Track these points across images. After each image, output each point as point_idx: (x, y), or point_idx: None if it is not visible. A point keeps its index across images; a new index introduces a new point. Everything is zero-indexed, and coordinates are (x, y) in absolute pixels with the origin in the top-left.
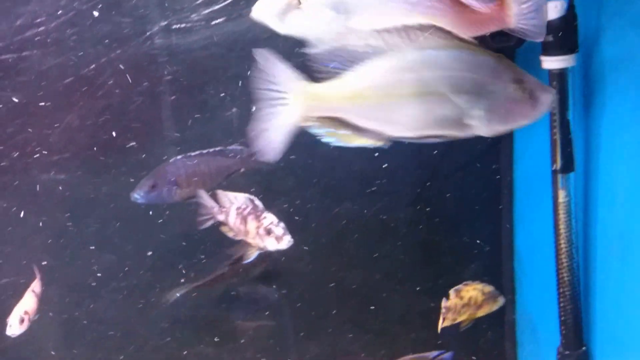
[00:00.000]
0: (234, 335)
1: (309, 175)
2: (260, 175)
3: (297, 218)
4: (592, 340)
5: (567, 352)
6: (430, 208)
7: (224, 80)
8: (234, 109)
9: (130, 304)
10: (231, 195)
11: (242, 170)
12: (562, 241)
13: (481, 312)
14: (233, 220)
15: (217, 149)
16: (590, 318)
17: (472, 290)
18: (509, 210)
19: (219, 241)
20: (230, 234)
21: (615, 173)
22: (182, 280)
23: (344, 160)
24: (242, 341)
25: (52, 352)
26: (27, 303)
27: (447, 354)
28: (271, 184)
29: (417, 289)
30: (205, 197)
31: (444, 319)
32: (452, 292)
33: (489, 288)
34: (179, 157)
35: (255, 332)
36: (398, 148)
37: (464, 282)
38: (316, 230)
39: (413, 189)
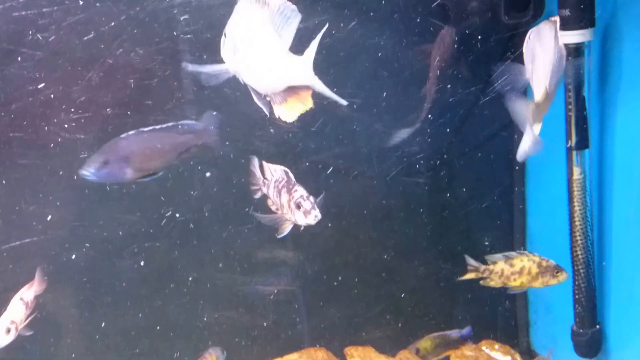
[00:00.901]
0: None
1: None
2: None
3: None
4: (606, 318)
5: (581, 331)
6: (444, 186)
7: None
8: None
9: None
10: (272, 167)
11: (198, 145)
12: (576, 219)
13: (537, 284)
14: (272, 193)
15: (170, 124)
16: (604, 297)
17: (527, 261)
18: (521, 187)
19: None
20: (273, 207)
21: (631, 150)
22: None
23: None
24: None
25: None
26: (14, 312)
27: (466, 330)
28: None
29: (431, 263)
30: (255, 168)
31: (485, 279)
32: (500, 257)
33: (548, 262)
34: (131, 132)
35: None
36: (417, 129)
37: (519, 251)
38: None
39: (427, 168)
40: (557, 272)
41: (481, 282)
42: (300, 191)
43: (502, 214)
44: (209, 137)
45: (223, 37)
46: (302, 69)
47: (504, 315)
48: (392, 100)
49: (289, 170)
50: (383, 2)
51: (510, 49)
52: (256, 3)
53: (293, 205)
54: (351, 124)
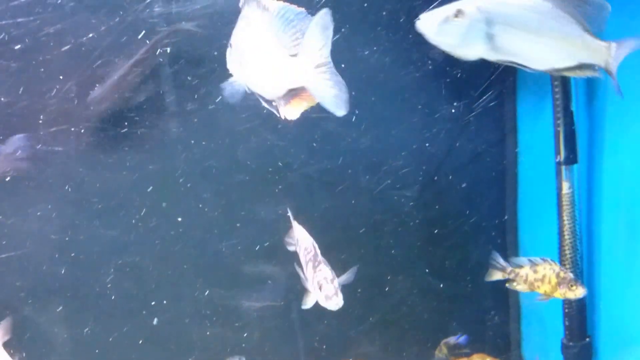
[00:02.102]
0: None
1: (317, 173)
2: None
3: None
4: (595, 331)
5: (571, 344)
6: (435, 200)
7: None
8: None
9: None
10: (302, 233)
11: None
12: (565, 233)
13: (557, 295)
14: (302, 258)
15: None
16: (594, 310)
17: (549, 269)
18: (513, 201)
19: None
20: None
21: (619, 164)
22: None
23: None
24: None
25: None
26: None
27: (463, 338)
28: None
29: (423, 277)
30: (294, 221)
31: (509, 280)
32: (526, 261)
33: (565, 274)
34: None
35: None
36: (406, 142)
37: (543, 257)
38: (324, 219)
39: (417, 183)
40: (572, 286)
41: (507, 284)
42: (324, 271)
43: (493, 228)
44: (17, 163)
45: (229, 48)
46: (299, 71)
47: (496, 328)
48: (379, 114)
49: (315, 245)
50: (368, 17)
51: (495, 67)
52: (258, 9)
53: (316, 283)
54: (338, 137)
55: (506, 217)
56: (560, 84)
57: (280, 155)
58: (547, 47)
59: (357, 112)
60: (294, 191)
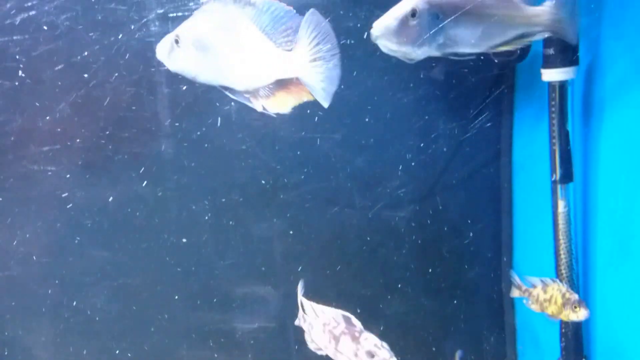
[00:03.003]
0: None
1: (309, 181)
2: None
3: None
4: (592, 352)
5: None
6: (430, 220)
7: None
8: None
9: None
10: (317, 307)
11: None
12: (561, 251)
13: (562, 316)
14: (319, 336)
15: None
16: (590, 329)
17: (556, 290)
18: (508, 220)
19: None
20: (312, 346)
21: (614, 183)
22: None
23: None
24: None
25: None
26: None
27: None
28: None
29: (418, 297)
30: (299, 295)
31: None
32: (538, 281)
33: (570, 295)
34: None
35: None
36: (400, 163)
37: (554, 278)
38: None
39: (412, 203)
40: (575, 307)
41: (524, 302)
42: (371, 339)
43: (488, 248)
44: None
45: (172, 40)
46: (295, 65)
47: (491, 348)
48: (374, 135)
49: (351, 316)
50: (365, 36)
51: (496, 86)
52: (235, 4)
53: (363, 354)
54: (333, 158)
55: (501, 236)
56: (557, 103)
57: (275, 175)
58: (491, 28)
59: (352, 133)
60: (288, 211)
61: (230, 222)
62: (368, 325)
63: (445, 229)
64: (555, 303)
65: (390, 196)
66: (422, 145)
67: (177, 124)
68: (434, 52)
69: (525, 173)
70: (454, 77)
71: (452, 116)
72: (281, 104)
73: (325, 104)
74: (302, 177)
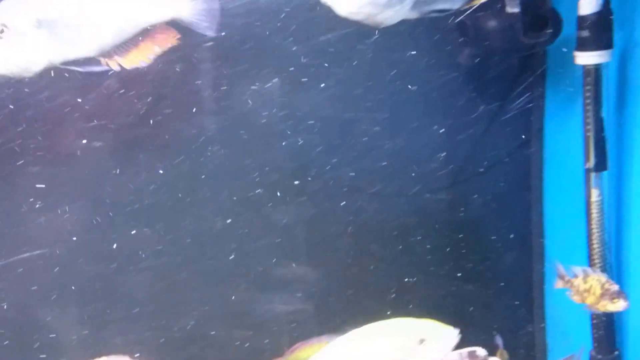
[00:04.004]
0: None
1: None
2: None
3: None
4: (624, 343)
5: (599, 357)
6: (458, 207)
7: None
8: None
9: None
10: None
11: None
12: (594, 241)
13: (600, 307)
14: None
15: None
16: (622, 321)
17: (596, 280)
18: (539, 210)
19: None
20: None
21: None
22: None
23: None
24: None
25: None
26: None
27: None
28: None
29: (449, 283)
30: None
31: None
32: (580, 271)
33: (610, 286)
34: None
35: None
36: (428, 145)
37: (594, 268)
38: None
39: (442, 189)
40: (614, 298)
41: (567, 293)
42: None
43: (518, 236)
44: None
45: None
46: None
47: (521, 340)
48: (405, 119)
49: (477, 348)
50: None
51: (526, 70)
52: None
53: None
54: (368, 138)
55: (531, 225)
56: (592, 88)
57: (306, 158)
58: None
59: (386, 115)
60: (321, 196)
61: (269, 204)
62: (398, 310)
63: (474, 216)
64: (594, 294)
65: (420, 182)
66: (450, 130)
67: (219, 102)
68: (409, 14)
69: (557, 160)
70: (483, 61)
71: (481, 101)
72: (142, 55)
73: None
74: (338, 158)
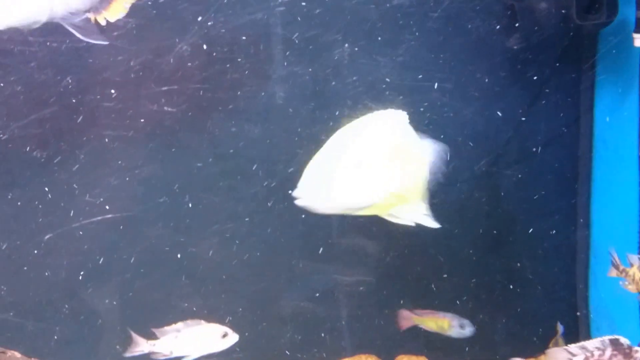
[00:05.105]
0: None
1: None
2: None
3: None
4: None
5: None
6: (504, 192)
7: None
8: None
9: None
10: (573, 347)
11: None
12: None
13: None
14: None
15: None
16: None
17: None
18: (586, 199)
19: None
20: None
21: None
22: None
23: None
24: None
25: None
26: None
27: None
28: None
29: (491, 276)
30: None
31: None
32: (635, 259)
33: None
34: None
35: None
36: (476, 129)
37: None
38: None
39: (489, 175)
40: None
41: (620, 282)
42: None
43: (563, 223)
44: None
45: None
46: None
47: (566, 331)
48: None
49: (619, 337)
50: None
51: (577, 53)
52: None
53: None
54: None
55: (577, 212)
56: None
57: None
58: None
59: (424, 103)
60: None
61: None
62: (443, 299)
63: (519, 201)
64: None
65: (468, 165)
66: (496, 114)
67: (288, 68)
68: None
69: (608, 146)
70: (532, 43)
71: (529, 85)
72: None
73: None
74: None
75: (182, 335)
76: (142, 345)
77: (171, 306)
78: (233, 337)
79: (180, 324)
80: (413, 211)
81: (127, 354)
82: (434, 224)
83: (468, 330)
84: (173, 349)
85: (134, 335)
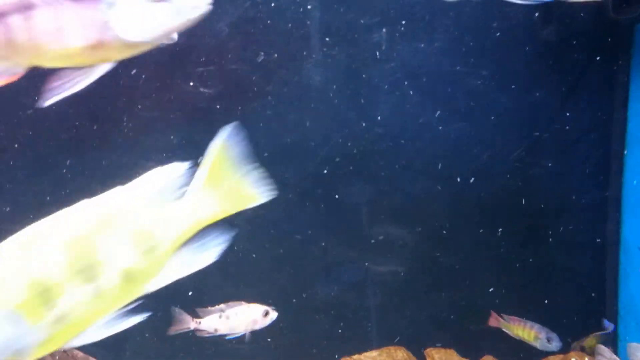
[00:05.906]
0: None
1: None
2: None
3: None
4: None
5: None
6: (532, 187)
7: None
8: None
9: None
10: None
11: None
12: None
13: None
14: None
15: None
16: None
17: None
18: (617, 195)
19: None
20: None
21: None
22: None
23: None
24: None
25: None
26: None
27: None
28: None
29: (519, 273)
30: None
31: None
32: None
33: None
34: None
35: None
36: (505, 123)
37: None
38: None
39: (519, 170)
40: None
41: None
42: None
43: (593, 220)
44: None
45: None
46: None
47: (593, 328)
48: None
49: None
50: None
51: (617, 45)
52: None
53: None
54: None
55: (609, 208)
56: None
57: (422, 108)
58: None
59: (453, 92)
60: (379, 177)
61: (374, 162)
62: (469, 293)
63: (549, 197)
64: None
65: (498, 159)
66: (530, 107)
67: (327, 52)
68: None
69: None
70: (568, 36)
71: (563, 79)
72: None
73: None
74: (444, 113)
75: (225, 314)
76: (188, 323)
77: (205, 296)
78: (273, 314)
79: (223, 305)
80: None
81: (172, 332)
82: None
83: (555, 345)
84: (218, 327)
85: (180, 313)
